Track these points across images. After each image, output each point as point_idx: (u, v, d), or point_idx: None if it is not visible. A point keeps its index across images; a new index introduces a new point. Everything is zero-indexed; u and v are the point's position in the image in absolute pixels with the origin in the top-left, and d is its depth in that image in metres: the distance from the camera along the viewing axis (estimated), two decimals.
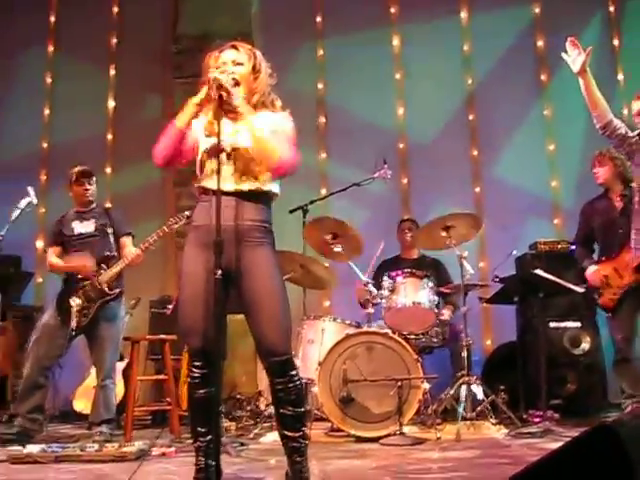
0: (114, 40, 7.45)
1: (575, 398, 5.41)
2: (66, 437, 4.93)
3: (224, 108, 2.83)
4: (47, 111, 7.48)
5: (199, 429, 2.84)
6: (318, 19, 7.32)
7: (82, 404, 5.74)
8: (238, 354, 6.20)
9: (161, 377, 5.50)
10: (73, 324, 4.56)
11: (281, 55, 6.83)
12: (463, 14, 7.26)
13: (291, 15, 7.17)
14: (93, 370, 5.04)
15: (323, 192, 6.61)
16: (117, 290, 4.67)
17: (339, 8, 7.16)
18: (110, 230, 4.80)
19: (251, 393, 5.89)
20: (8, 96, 7.36)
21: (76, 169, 4.89)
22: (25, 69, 7.45)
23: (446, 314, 5.39)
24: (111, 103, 7.40)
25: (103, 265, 4.68)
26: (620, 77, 6.87)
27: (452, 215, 5.06)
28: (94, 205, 4.95)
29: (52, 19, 7.63)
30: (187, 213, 4.53)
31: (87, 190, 4.86)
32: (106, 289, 4.62)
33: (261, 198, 2.92)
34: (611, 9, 7.13)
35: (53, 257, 4.86)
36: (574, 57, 3.97)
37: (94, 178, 4.92)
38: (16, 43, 7.38)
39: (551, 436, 4.31)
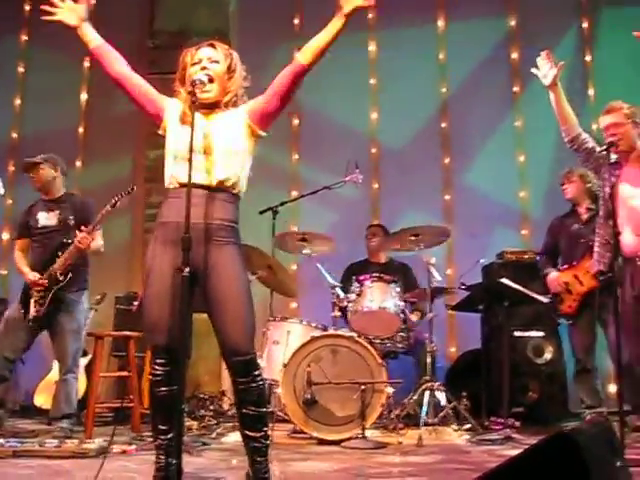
0: None
1: (536, 407, 5.46)
2: (25, 432, 4.85)
3: (198, 104, 2.84)
4: (18, 101, 7.39)
5: (160, 427, 2.83)
6: (296, 20, 7.33)
7: (43, 399, 5.68)
8: (202, 353, 6.15)
9: (124, 374, 5.45)
10: (31, 314, 4.51)
11: (258, 54, 6.80)
12: (440, 22, 7.32)
13: (269, 15, 7.17)
14: (55, 365, 4.99)
15: (294, 194, 6.62)
16: (69, 276, 4.56)
17: (318, 10, 7.06)
18: (73, 222, 4.69)
19: (214, 392, 5.88)
20: None
21: (23, 162, 4.85)
22: None
23: (413, 319, 5.43)
24: (84, 96, 7.33)
25: (59, 253, 4.61)
26: (591, 92, 6.97)
27: (421, 227, 5.09)
28: (61, 194, 4.85)
29: (27, 8, 7.54)
30: (129, 189, 4.57)
31: (32, 179, 4.78)
32: (59, 276, 4.56)
33: (230, 196, 2.92)
34: (585, 25, 7.23)
35: (16, 252, 4.80)
36: (545, 70, 4.03)
37: (42, 166, 4.77)
38: None
39: (511, 443, 4.35)
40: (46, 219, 4.74)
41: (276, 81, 3.00)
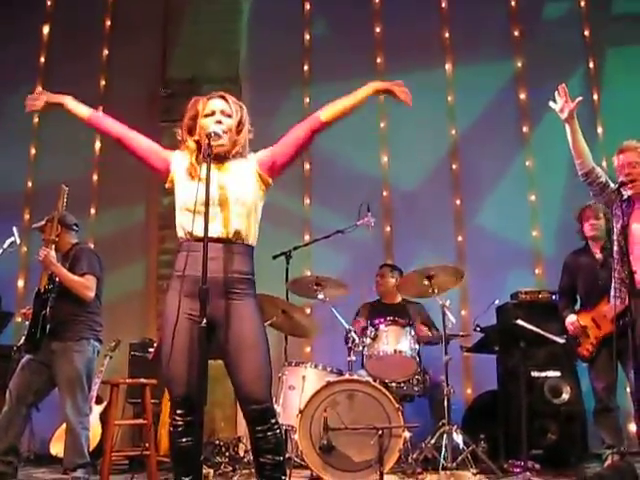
0: (103, 82, 7.52)
1: (556, 448, 5.39)
2: None
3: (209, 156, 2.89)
4: (33, 151, 7.51)
5: (183, 478, 2.82)
6: (305, 67, 7.45)
7: (58, 448, 5.64)
8: (217, 399, 6.14)
9: (140, 421, 5.42)
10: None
11: (268, 101, 6.95)
12: (447, 66, 7.42)
13: (279, 62, 7.29)
14: None
15: (307, 238, 6.66)
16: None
17: (326, 56, 7.29)
18: (55, 238, 4.65)
19: (230, 439, 5.82)
20: None
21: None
22: (13, 108, 7.44)
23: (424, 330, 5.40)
24: (98, 145, 7.43)
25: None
26: (599, 131, 7.02)
27: (435, 266, 5.10)
28: (68, 247, 4.81)
29: (42, 59, 7.70)
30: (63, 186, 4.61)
31: (44, 241, 4.74)
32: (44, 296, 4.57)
33: (246, 248, 2.96)
34: (591, 65, 7.31)
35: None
36: (561, 105, 4.06)
37: (53, 225, 4.72)
38: (5, 82, 7.42)
39: None
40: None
41: (292, 133, 3.05)
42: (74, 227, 4.88)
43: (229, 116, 3.04)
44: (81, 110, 3.21)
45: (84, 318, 4.69)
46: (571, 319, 4.96)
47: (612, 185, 4.15)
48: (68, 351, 4.59)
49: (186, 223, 2.93)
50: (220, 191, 2.93)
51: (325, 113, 3.05)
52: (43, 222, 4.78)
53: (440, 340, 5.20)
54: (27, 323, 4.61)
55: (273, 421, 2.85)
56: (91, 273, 4.68)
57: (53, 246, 4.61)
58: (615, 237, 4.18)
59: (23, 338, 4.57)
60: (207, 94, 3.16)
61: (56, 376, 4.59)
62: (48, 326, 4.55)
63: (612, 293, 4.21)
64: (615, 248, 4.19)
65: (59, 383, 4.58)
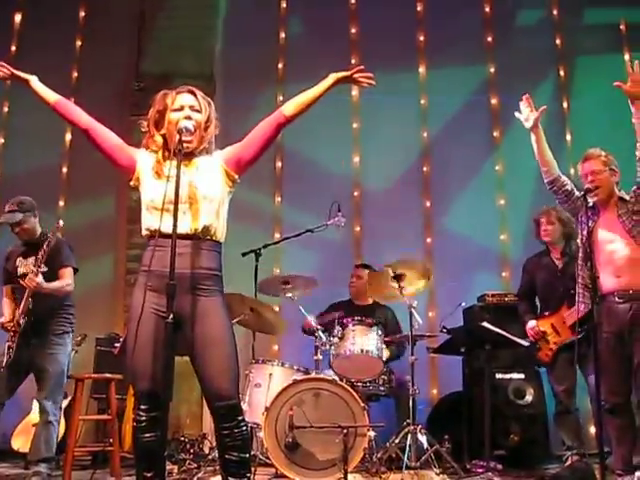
0: (75, 74, 7.44)
1: (518, 449, 5.46)
2: (1, 477, 4.77)
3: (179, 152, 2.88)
4: (1, 140, 7.40)
5: (145, 474, 2.82)
6: (280, 65, 7.45)
7: (20, 442, 5.58)
8: (183, 396, 6.13)
9: (105, 417, 5.39)
10: (4, 362, 4.45)
11: (241, 98, 6.94)
12: (421, 69, 7.47)
13: (253, 59, 7.27)
14: (35, 407, 4.92)
15: (277, 236, 6.66)
16: (22, 321, 4.45)
17: (301, 55, 7.30)
18: (44, 269, 4.54)
19: (195, 435, 5.80)
20: None
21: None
22: None
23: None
24: (68, 136, 7.35)
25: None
26: (568, 138, 7.12)
27: (402, 262, 5.13)
28: (37, 235, 4.74)
29: (13, 48, 7.59)
30: (56, 224, 4.61)
31: (17, 234, 4.70)
32: (20, 320, 4.46)
33: (214, 245, 2.96)
34: (561, 73, 7.41)
35: (4, 298, 4.76)
36: (527, 114, 4.14)
37: (22, 220, 4.63)
38: None
39: None
40: (24, 266, 4.67)
41: (257, 130, 3.07)
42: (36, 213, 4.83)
43: (198, 111, 3.04)
44: (48, 93, 3.19)
45: (63, 312, 4.67)
46: (531, 325, 5.04)
47: (577, 193, 4.22)
48: (51, 345, 4.55)
49: (153, 221, 2.92)
50: (188, 188, 2.93)
51: (289, 108, 3.08)
52: (20, 217, 4.68)
53: (401, 353, 5.27)
54: (9, 340, 4.48)
55: (240, 418, 2.85)
56: (70, 265, 4.67)
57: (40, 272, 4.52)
58: (580, 243, 4.25)
59: (6, 356, 4.43)
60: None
61: (39, 370, 4.54)
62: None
63: (577, 298, 4.27)
64: (580, 254, 4.26)
65: (41, 377, 4.53)
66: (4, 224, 4.68)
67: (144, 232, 2.99)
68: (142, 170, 3.04)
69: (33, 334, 4.52)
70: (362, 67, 3.15)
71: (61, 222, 4.66)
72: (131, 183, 3.09)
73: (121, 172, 3.14)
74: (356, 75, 3.12)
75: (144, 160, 3.06)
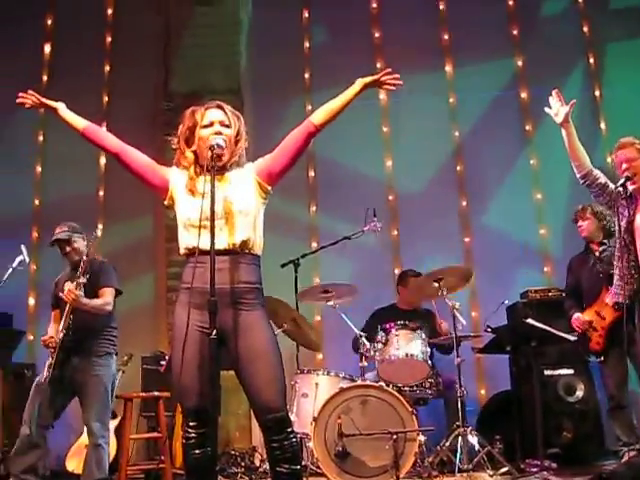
0: (105, 98, 7.55)
1: (572, 446, 5.38)
2: None
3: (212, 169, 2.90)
4: (39, 169, 7.52)
5: None
6: (306, 75, 7.47)
7: (74, 464, 5.65)
8: (231, 409, 6.15)
9: (155, 435, 5.44)
10: (43, 377, 4.51)
11: (270, 110, 6.97)
12: (448, 68, 7.42)
13: (279, 71, 7.30)
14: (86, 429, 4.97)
15: (314, 245, 6.66)
16: (61, 335, 4.50)
17: (326, 63, 7.30)
18: (83, 280, 4.55)
19: (245, 449, 5.82)
20: (0, 153, 7.40)
21: (52, 240, 4.78)
22: (18, 127, 7.51)
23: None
24: (102, 160, 7.45)
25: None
26: (602, 126, 7.01)
27: (443, 270, 5.10)
28: (84, 259, 4.87)
29: (44, 77, 7.73)
30: (94, 234, 4.65)
31: (67, 254, 4.75)
32: (60, 337, 4.52)
33: (253, 258, 2.97)
34: (591, 60, 7.31)
35: (51, 323, 4.82)
36: (557, 108, 4.09)
37: (72, 239, 4.73)
38: (9, 100, 7.44)
39: None
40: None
41: (287, 141, 3.07)
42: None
43: (227, 127, 3.05)
44: (77, 120, 3.23)
45: (106, 333, 4.71)
46: (575, 316, 4.98)
47: (612, 185, 4.17)
48: (93, 366, 4.58)
49: (191, 239, 2.93)
50: (223, 203, 2.94)
51: (318, 117, 3.07)
52: (66, 236, 4.77)
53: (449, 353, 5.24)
54: (50, 356, 4.55)
55: (289, 430, 2.85)
56: (111, 286, 4.71)
57: (82, 287, 4.59)
58: (617, 235, 4.18)
59: (47, 372, 4.51)
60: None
61: (82, 392, 4.58)
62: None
63: (614, 290, 4.22)
64: (617, 245, 4.20)
65: (85, 399, 4.57)
66: (57, 241, 4.74)
67: (182, 251, 3.01)
68: (175, 188, 3.06)
69: (75, 354, 4.58)
70: (389, 70, 3.13)
71: (99, 232, 4.69)
72: (165, 202, 3.11)
73: (154, 192, 3.16)
74: (383, 78, 3.11)
75: (177, 178, 3.08)
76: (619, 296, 4.17)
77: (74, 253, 4.75)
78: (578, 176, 4.21)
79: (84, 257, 4.52)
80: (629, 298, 4.05)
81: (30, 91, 3.36)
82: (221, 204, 2.93)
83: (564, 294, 5.35)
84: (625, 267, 4.06)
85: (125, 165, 3.12)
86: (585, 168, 4.18)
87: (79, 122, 3.22)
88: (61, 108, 3.28)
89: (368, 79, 3.10)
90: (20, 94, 3.34)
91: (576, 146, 4.16)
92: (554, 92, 4.12)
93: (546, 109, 4.14)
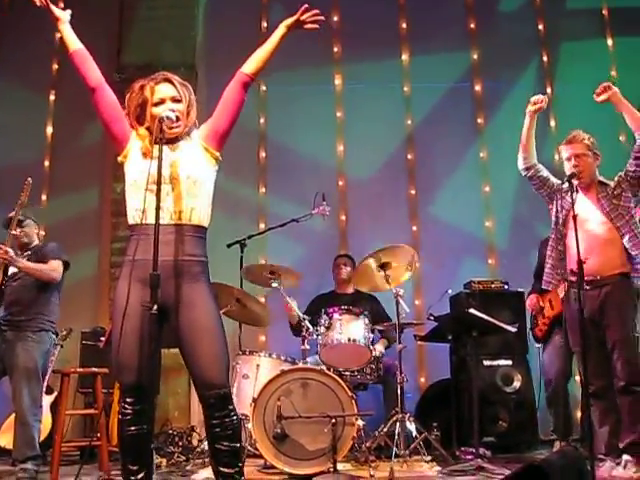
0: (55, 66, 7.35)
1: (507, 435, 5.49)
2: None
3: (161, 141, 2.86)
4: None
5: (130, 467, 2.79)
6: None
7: (7, 439, 5.51)
8: (171, 389, 6.10)
9: (91, 411, 5.36)
10: None
11: (224, 86, 6.86)
12: (404, 56, 7.43)
13: (235, 48, 7.15)
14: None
15: (261, 227, 6.63)
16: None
17: (283, 44, 7.22)
18: (19, 234, 4.57)
19: (183, 428, 5.78)
20: None
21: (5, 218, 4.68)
22: None
23: (378, 349, 5.36)
24: (50, 130, 7.28)
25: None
26: (552, 124, 7.12)
27: (387, 249, 5.12)
28: (34, 244, 4.76)
29: None
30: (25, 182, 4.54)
31: (15, 237, 4.62)
32: None
33: (199, 230, 2.93)
34: (545, 58, 7.40)
35: None
36: (535, 99, 4.24)
37: (24, 223, 4.67)
38: None
39: (483, 473, 4.34)
40: (12, 269, 4.64)
41: (225, 98, 3.08)
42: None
43: (179, 101, 3.02)
44: (72, 39, 3.15)
45: (44, 310, 4.61)
46: (532, 297, 5.09)
47: (553, 179, 4.26)
48: (26, 341, 4.50)
49: (137, 202, 2.90)
50: (171, 169, 2.91)
51: (249, 66, 3.12)
52: (22, 217, 4.65)
53: (392, 342, 5.27)
54: None
55: (231, 407, 2.84)
56: (59, 258, 4.65)
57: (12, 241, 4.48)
58: (554, 226, 4.28)
59: None
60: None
61: (11, 366, 4.49)
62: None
63: (545, 278, 4.33)
64: (552, 236, 4.29)
65: (14, 373, 4.48)
66: (10, 220, 4.59)
67: (129, 218, 2.95)
68: (132, 148, 3.02)
69: (8, 328, 4.49)
70: (306, 6, 3.17)
71: (29, 180, 4.59)
72: (119, 158, 3.05)
73: (113, 142, 3.09)
74: (303, 17, 3.15)
75: (135, 140, 3.03)
76: (549, 284, 4.29)
77: (22, 234, 4.65)
78: (522, 167, 4.31)
79: (18, 202, 4.45)
80: (556, 286, 4.23)
81: None
82: (169, 170, 2.90)
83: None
84: (556, 258, 4.18)
85: (97, 103, 3.05)
86: (530, 161, 4.31)
87: (74, 42, 3.14)
88: (64, 20, 3.19)
89: (290, 20, 3.16)
90: None
91: (531, 139, 4.29)
92: (544, 97, 4.26)
93: (531, 98, 4.26)
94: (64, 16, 3.19)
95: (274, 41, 3.14)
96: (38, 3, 3.16)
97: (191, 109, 3.06)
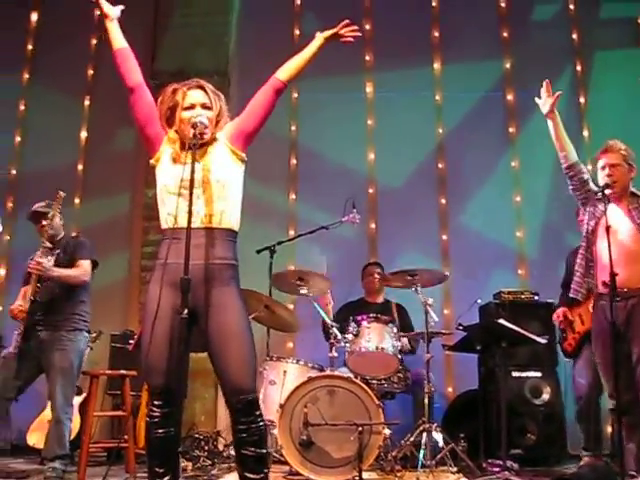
0: (91, 72, 7.46)
1: (535, 448, 5.42)
2: (17, 472, 4.79)
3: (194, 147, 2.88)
4: (18, 138, 7.43)
5: (156, 469, 2.80)
6: None
7: (35, 438, 5.60)
8: (198, 393, 6.13)
9: (119, 413, 5.40)
10: (11, 348, 4.49)
11: (256, 92, 6.92)
12: (436, 65, 7.41)
13: (268, 55, 7.20)
14: (50, 403, 4.93)
15: (291, 233, 6.64)
16: (26, 306, 4.49)
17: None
18: (63, 265, 4.60)
19: (209, 432, 5.80)
20: None
21: (30, 212, 4.75)
22: None
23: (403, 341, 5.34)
24: (84, 134, 7.38)
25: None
26: (585, 133, 7.05)
27: (419, 270, 5.10)
28: (60, 237, 4.84)
29: (29, 47, 7.63)
30: (57, 194, 4.54)
31: (42, 227, 4.69)
32: (26, 307, 4.49)
33: (229, 234, 2.95)
34: (578, 68, 7.34)
35: (19, 298, 4.76)
36: (544, 99, 4.13)
37: (50, 214, 4.66)
38: None
39: None
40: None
41: (255, 101, 3.09)
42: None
43: (209, 108, 3.04)
44: (118, 38, 3.16)
45: (77, 309, 4.66)
46: (559, 310, 5.01)
47: (592, 185, 4.19)
48: (61, 341, 4.54)
49: (169, 206, 2.93)
50: (202, 172, 2.93)
51: (283, 73, 3.13)
52: (47, 209, 4.71)
53: (414, 349, 5.24)
54: (18, 327, 4.52)
55: (258, 413, 2.84)
56: (88, 258, 4.68)
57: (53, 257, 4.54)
58: (585, 233, 4.22)
59: (14, 343, 4.49)
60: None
61: (48, 365, 4.53)
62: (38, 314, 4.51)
63: (573, 286, 4.27)
64: (583, 244, 4.23)
65: (50, 372, 4.52)
66: (34, 214, 4.69)
67: (162, 221, 2.98)
68: (164, 152, 3.04)
69: (43, 327, 4.54)
70: (347, 21, 3.20)
71: (61, 193, 4.63)
72: (151, 161, 3.07)
73: (145, 144, 3.12)
74: (342, 31, 3.17)
75: (166, 145, 3.06)
76: (578, 293, 4.23)
77: (49, 227, 4.69)
78: (564, 166, 4.21)
79: (50, 211, 4.47)
80: (585, 296, 4.20)
81: None
82: (200, 173, 2.92)
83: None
84: (586, 267, 4.14)
85: (134, 104, 3.07)
86: (571, 159, 4.19)
87: (119, 41, 3.16)
88: (112, 18, 3.19)
89: (328, 33, 3.18)
90: None
91: (562, 136, 4.17)
92: (545, 82, 4.15)
93: (536, 99, 4.18)
94: (113, 13, 3.19)
95: (311, 51, 3.16)
96: None
97: (221, 118, 3.08)
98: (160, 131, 3.06)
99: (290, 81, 3.14)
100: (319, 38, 3.17)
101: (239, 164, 3.07)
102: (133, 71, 3.11)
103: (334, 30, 3.17)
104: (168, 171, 2.98)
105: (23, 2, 7.66)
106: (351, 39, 3.20)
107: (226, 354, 2.82)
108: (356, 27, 3.19)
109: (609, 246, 3.71)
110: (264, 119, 3.09)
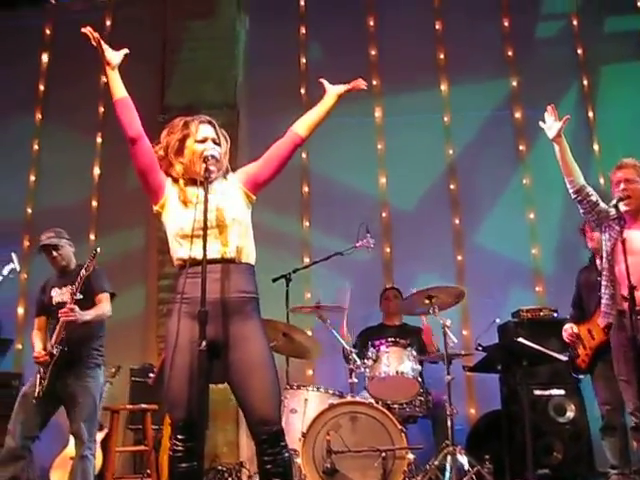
0: (101, 109, 7.55)
1: (562, 467, 5.36)
2: None
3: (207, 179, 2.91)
4: (32, 178, 7.51)
5: None
6: (302, 90, 7.48)
7: (59, 475, 5.60)
8: (219, 424, 6.11)
9: (141, 448, 5.39)
10: (36, 391, 4.47)
11: (265, 125, 6.96)
12: (443, 86, 7.45)
13: (275, 86, 7.32)
14: (72, 440, 4.93)
15: (306, 261, 6.65)
16: (55, 351, 4.45)
17: (324, 77, 7.30)
18: (79, 296, 4.54)
19: (232, 464, 5.77)
20: None
21: (40, 245, 4.76)
22: (13, 136, 7.52)
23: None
24: (97, 171, 7.46)
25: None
26: (595, 147, 7.04)
27: (435, 288, 5.09)
28: (73, 267, 4.83)
29: (41, 86, 7.75)
30: (93, 251, 4.46)
31: (54, 259, 4.74)
32: (53, 351, 4.46)
33: (248, 267, 2.97)
34: (585, 82, 7.34)
35: (34, 330, 4.77)
36: (550, 124, 4.12)
37: (59, 245, 4.71)
38: (5, 110, 7.47)
39: None
40: (59, 295, 4.72)
41: (272, 151, 3.11)
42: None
43: (218, 144, 3.09)
44: (118, 87, 3.11)
45: (96, 344, 4.68)
46: (568, 326, 4.96)
47: (602, 204, 4.18)
48: (83, 377, 4.55)
49: (183, 250, 2.93)
50: (216, 212, 2.95)
51: (302, 129, 3.15)
52: (56, 242, 4.73)
53: (441, 358, 5.20)
54: (39, 371, 4.51)
55: (283, 444, 2.83)
56: (106, 291, 4.71)
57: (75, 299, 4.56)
58: (605, 255, 4.19)
59: (39, 387, 4.46)
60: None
61: (70, 403, 4.53)
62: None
63: (602, 307, 4.24)
64: (605, 265, 4.20)
65: (73, 409, 4.51)
66: (44, 247, 4.71)
67: (176, 262, 2.99)
68: (169, 198, 3.05)
69: (65, 366, 4.54)
70: (361, 80, 3.30)
71: (99, 249, 4.64)
72: (155, 208, 3.08)
73: (147, 193, 3.11)
74: (353, 87, 3.28)
75: (170, 189, 3.07)
76: (609, 316, 4.18)
77: (60, 259, 4.73)
78: (571, 191, 4.21)
79: (83, 271, 4.43)
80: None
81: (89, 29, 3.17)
82: (214, 213, 2.93)
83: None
84: (610, 288, 4.09)
85: (135, 153, 3.03)
86: (578, 184, 4.18)
87: (120, 90, 3.10)
88: (114, 66, 3.12)
89: (342, 89, 3.26)
90: (87, 28, 3.15)
91: (569, 161, 4.17)
92: (549, 107, 4.15)
93: (541, 123, 4.17)
94: (115, 60, 3.13)
95: (326, 108, 3.22)
96: (94, 43, 3.12)
97: (225, 156, 3.13)
98: (161, 177, 3.07)
99: (309, 136, 3.17)
100: (332, 96, 3.23)
101: (249, 206, 3.12)
102: (134, 121, 3.07)
103: (348, 88, 3.25)
104: (180, 215, 2.98)
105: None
106: (362, 87, 3.32)
107: (250, 385, 2.81)
108: (365, 83, 3.31)
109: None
110: (278, 171, 3.12)
